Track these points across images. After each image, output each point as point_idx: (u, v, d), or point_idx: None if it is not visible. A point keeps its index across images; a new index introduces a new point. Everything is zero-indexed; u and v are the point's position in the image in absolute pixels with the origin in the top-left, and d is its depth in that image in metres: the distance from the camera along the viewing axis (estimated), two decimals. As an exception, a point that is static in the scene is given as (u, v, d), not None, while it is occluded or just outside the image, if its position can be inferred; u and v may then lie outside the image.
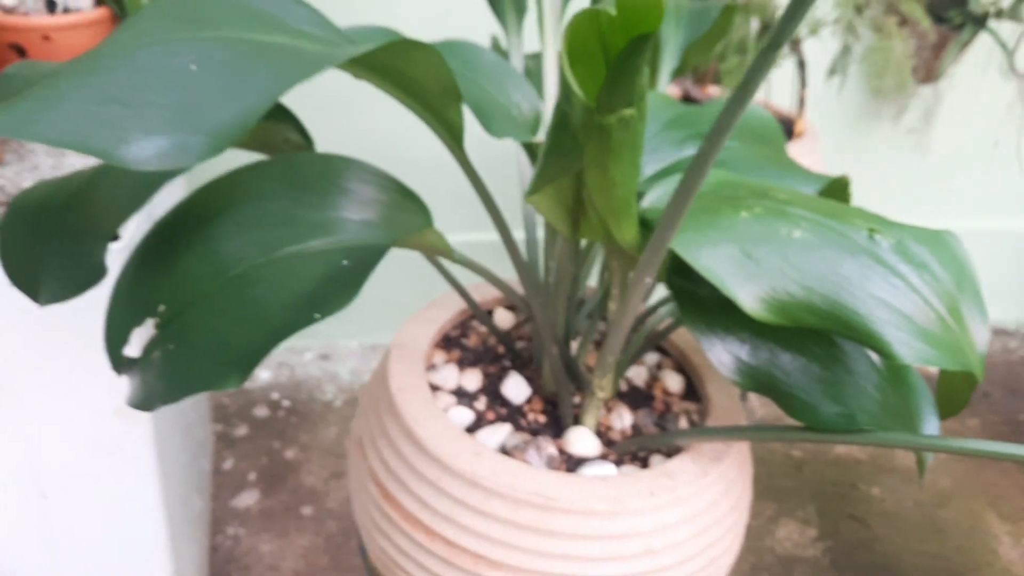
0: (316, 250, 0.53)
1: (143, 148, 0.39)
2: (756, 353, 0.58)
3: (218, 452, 1.38)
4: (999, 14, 1.41)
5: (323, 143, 1.03)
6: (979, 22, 1.43)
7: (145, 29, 0.44)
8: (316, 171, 0.55)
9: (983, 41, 1.44)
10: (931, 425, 0.60)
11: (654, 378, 0.74)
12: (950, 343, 0.52)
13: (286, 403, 1.50)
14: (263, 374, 1.55)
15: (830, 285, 0.52)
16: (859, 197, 1.62)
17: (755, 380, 0.58)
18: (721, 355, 0.58)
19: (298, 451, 1.39)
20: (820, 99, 1.40)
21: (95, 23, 0.82)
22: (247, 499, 1.30)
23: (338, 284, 0.51)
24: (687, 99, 1.27)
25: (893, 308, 0.52)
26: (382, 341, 1.64)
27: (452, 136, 0.52)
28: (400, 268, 1.50)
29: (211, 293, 0.51)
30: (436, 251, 0.57)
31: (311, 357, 1.61)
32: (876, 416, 0.57)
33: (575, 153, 0.47)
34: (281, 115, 0.59)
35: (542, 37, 0.65)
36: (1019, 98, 1.36)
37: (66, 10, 0.82)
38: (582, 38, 0.39)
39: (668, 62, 0.77)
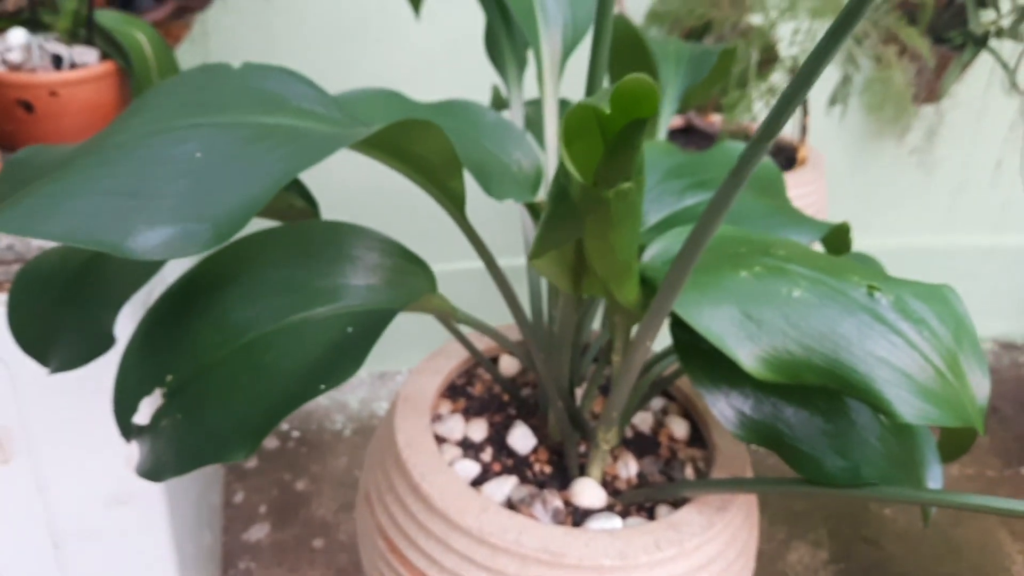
0: (322, 317, 0.54)
1: (149, 239, 0.40)
2: (759, 407, 0.59)
3: (228, 485, 1.39)
4: (999, 33, 1.42)
5: (329, 176, 1.04)
6: (979, 42, 1.43)
7: (151, 116, 0.45)
8: (322, 239, 0.56)
9: (984, 60, 1.44)
10: (935, 474, 0.61)
11: (660, 424, 0.75)
12: (950, 399, 0.53)
13: (296, 434, 1.51)
14: (273, 405, 1.56)
15: (830, 344, 0.53)
16: (866, 218, 1.63)
17: (759, 434, 0.58)
18: (724, 409, 0.58)
19: (308, 482, 1.40)
20: (823, 123, 1.41)
21: (101, 77, 0.83)
22: (258, 532, 1.30)
23: (344, 352, 0.51)
24: (690, 128, 1.27)
25: (892, 366, 0.52)
26: (391, 369, 1.64)
27: (455, 205, 0.53)
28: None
29: (218, 363, 0.52)
30: (440, 313, 0.58)
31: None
32: (880, 468, 0.58)
33: (574, 223, 0.48)
34: (288, 183, 0.60)
35: (541, 87, 0.66)
36: (1021, 116, 1.36)
37: (72, 65, 0.84)
38: (579, 118, 0.39)
39: (668, 108, 0.77)
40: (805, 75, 0.34)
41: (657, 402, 0.77)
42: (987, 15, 1.42)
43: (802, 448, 0.58)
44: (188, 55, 1.19)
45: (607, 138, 0.44)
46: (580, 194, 0.45)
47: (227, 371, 0.52)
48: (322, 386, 0.50)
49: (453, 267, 1.28)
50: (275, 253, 0.55)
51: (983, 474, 1.55)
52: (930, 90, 1.48)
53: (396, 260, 0.56)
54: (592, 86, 0.53)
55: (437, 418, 0.72)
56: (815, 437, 0.58)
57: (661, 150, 0.71)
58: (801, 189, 1.17)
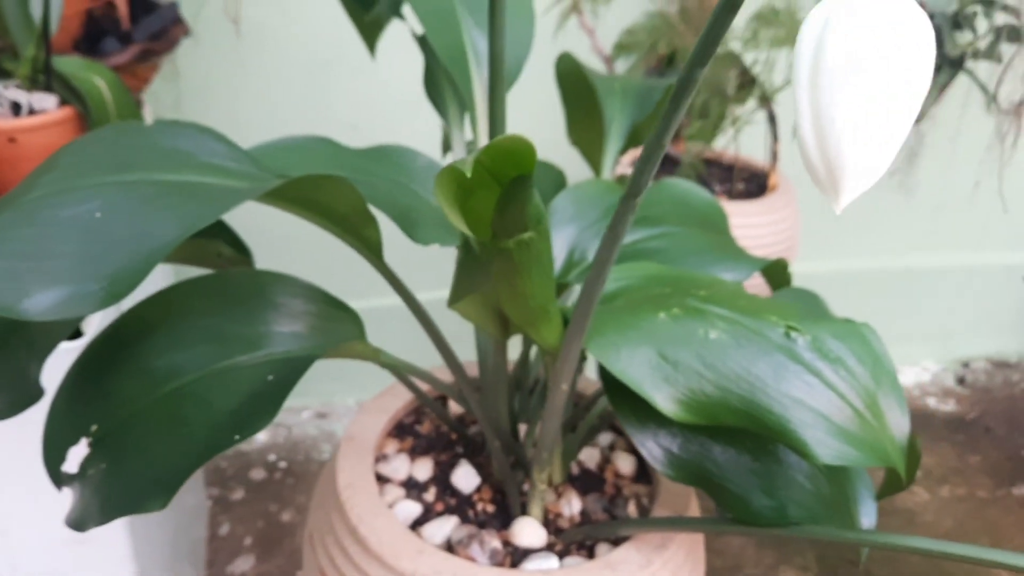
0: (244, 365, 0.54)
1: (43, 300, 0.41)
2: (687, 445, 0.59)
3: (214, 517, 1.39)
4: (976, 55, 1.42)
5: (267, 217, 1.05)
6: (956, 64, 1.43)
7: (59, 175, 0.46)
8: (246, 287, 0.56)
9: (963, 81, 1.44)
10: (868, 510, 0.60)
11: (606, 460, 0.75)
12: (869, 440, 0.53)
13: (283, 464, 1.51)
14: (260, 435, 1.57)
15: (745, 385, 0.53)
16: (848, 239, 1.62)
17: (687, 472, 0.58)
18: (652, 448, 0.58)
19: (294, 513, 1.41)
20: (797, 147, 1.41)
21: (59, 123, 0.85)
22: (243, 565, 1.31)
23: (262, 400, 0.52)
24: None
25: (809, 407, 0.52)
26: (376, 398, 1.64)
27: (371, 251, 0.54)
28: (396, 324, 1.51)
29: (140, 413, 0.53)
30: (366, 358, 0.58)
31: (308, 416, 1.63)
32: (809, 508, 0.57)
33: (482, 272, 0.49)
34: (214, 231, 0.61)
35: (475, 130, 0.66)
36: (997, 138, 1.36)
37: (31, 112, 0.85)
38: (449, 179, 0.40)
39: (614, 143, 0.78)
40: (663, 128, 0.34)
41: (605, 437, 0.77)
42: (963, 37, 1.42)
43: (729, 487, 0.58)
44: (160, 93, 1.21)
45: (503, 186, 0.45)
46: (479, 246, 0.46)
47: (148, 421, 0.53)
48: (236, 436, 0.50)
49: (396, 302, 1.28)
50: (200, 302, 0.56)
51: (974, 495, 1.53)
52: (909, 111, 1.48)
53: (320, 306, 0.57)
54: (494, 129, 0.54)
55: (382, 458, 0.72)
56: (743, 476, 0.58)
57: (602, 188, 0.72)
58: (773, 215, 1.17)
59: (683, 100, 0.32)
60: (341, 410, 1.64)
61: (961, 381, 1.76)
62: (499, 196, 0.43)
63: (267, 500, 1.44)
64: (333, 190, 0.48)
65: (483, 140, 0.67)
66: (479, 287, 0.51)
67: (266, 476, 1.49)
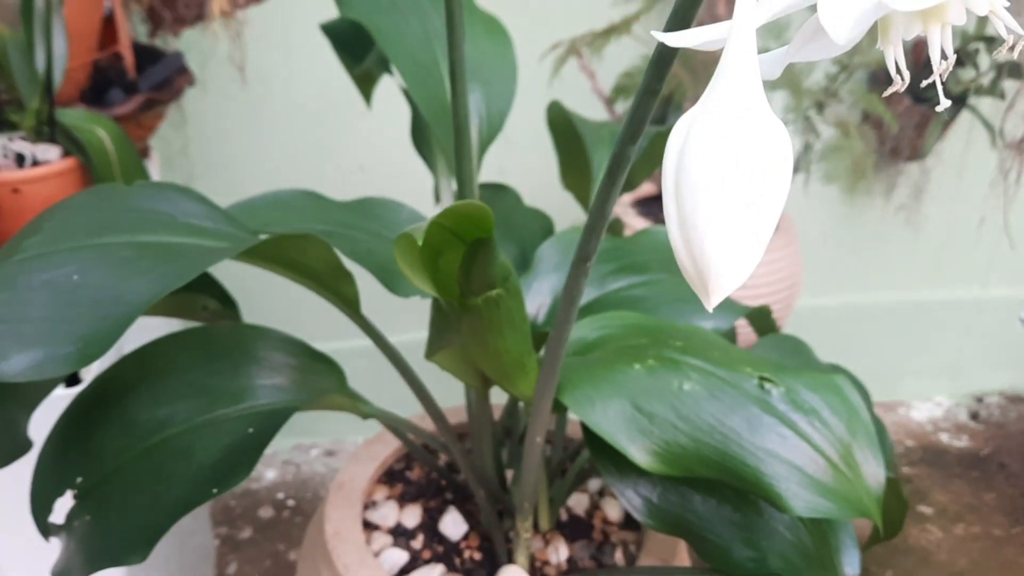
0: (225, 418, 0.55)
1: (19, 362, 0.42)
2: (667, 496, 0.59)
3: (222, 556, 1.40)
4: (979, 91, 1.42)
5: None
6: (959, 101, 1.43)
7: (40, 239, 0.48)
8: (228, 341, 0.58)
9: (966, 117, 1.44)
10: (851, 561, 0.60)
11: (595, 506, 0.75)
12: (844, 492, 0.53)
13: (291, 503, 1.52)
14: (269, 474, 1.58)
15: (719, 437, 0.53)
16: (855, 276, 1.62)
17: (667, 522, 0.58)
18: (632, 498, 0.59)
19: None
20: (806, 183, 1.41)
21: (62, 174, 0.87)
22: (248, 605, 1.31)
23: (240, 454, 0.53)
24: (660, 197, 1.28)
25: (783, 459, 0.52)
26: (384, 436, 1.65)
27: (348, 306, 0.55)
28: (381, 366, 1.52)
29: (124, 466, 0.54)
30: (347, 410, 0.59)
31: (317, 454, 1.64)
32: (790, 559, 0.57)
33: (453, 329, 0.49)
34: (198, 286, 0.62)
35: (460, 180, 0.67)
36: (1000, 174, 1.36)
37: (35, 163, 0.87)
38: (406, 245, 0.41)
39: (601, 190, 0.78)
40: (602, 200, 0.35)
41: (595, 483, 0.77)
42: (966, 73, 1.42)
43: (711, 538, 0.58)
44: (168, 139, 1.23)
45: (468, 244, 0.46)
46: (447, 305, 0.46)
47: (131, 475, 0.54)
48: (215, 490, 0.51)
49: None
50: (184, 356, 0.57)
51: (989, 533, 1.51)
52: (913, 148, 1.48)
53: (302, 359, 0.58)
54: (461, 187, 0.55)
55: (371, 504, 0.73)
56: (723, 527, 0.58)
57: (587, 235, 0.72)
58: (771, 255, 1.17)
59: (618, 176, 0.32)
60: (350, 448, 1.64)
61: (975, 416, 1.74)
62: (462, 257, 0.43)
63: (275, 539, 1.44)
64: (307, 249, 0.49)
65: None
66: (452, 343, 0.52)
67: (274, 514, 1.50)
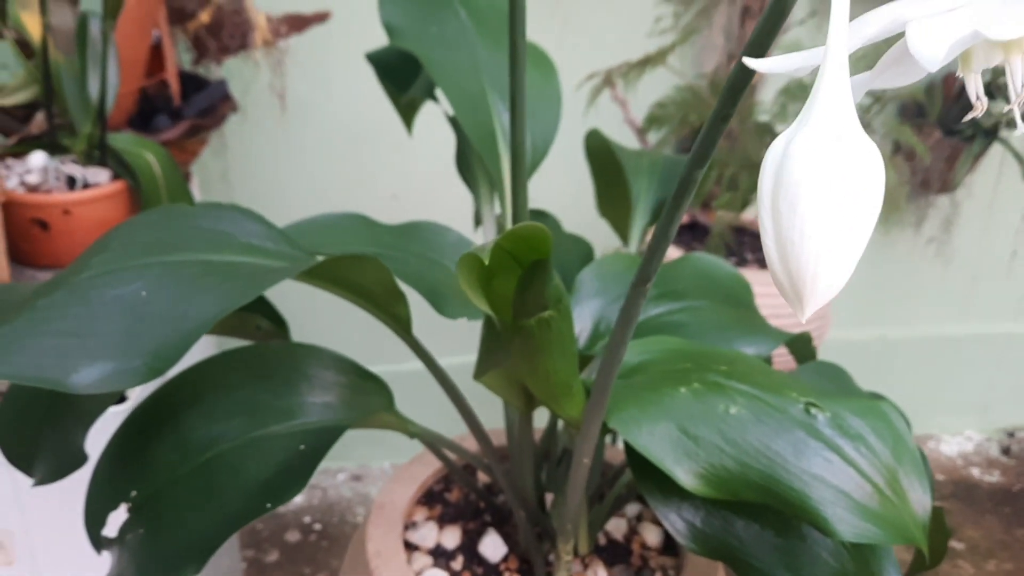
0: (277, 435, 0.56)
1: (89, 375, 0.43)
2: (710, 520, 0.59)
3: (248, 579, 1.41)
4: (1010, 124, 1.42)
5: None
6: (989, 134, 1.43)
7: (109, 256, 0.49)
8: (280, 360, 0.59)
9: (997, 150, 1.45)
10: (894, 588, 0.60)
11: (634, 531, 0.75)
12: (890, 517, 0.53)
13: (317, 527, 1.52)
14: (296, 498, 1.59)
15: (765, 461, 0.53)
16: (885, 309, 1.61)
17: (710, 547, 0.58)
18: (676, 521, 0.59)
19: (328, 576, 1.41)
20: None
21: (111, 196, 0.89)
22: (276, 628, 1.31)
23: (294, 469, 0.54)
24: (695, 224, 1.29)
25: (829, 484, 0.53)
26: (412, 462, 1.66)
27: (400, 326, 0.56)
28: (427, 389, 1.53)
29: (177, 481, 0.55)
30: (394, 428, 0.60)
31: (344, 478, 1.64)
32: (832, 584, 0.57)
33: (504, 349, 0.50)
34: (253, 306, 0.63)
35: (503, 207, 0.69)
36: (1033, 208, 1.36)
37: (86, 185, 0.90)
38: (469, 265, 0.42)
39: (641, 218, 0.80)
40: (666, 224, 0.36)
41: (632, 508, 0.78)
42: (997, 106, 1.42)
43: (753, 563, 0.58)
44: (209, 165, 1.26)
45: (524, 268, 0.47)
46: (501, 325, 0.47)
47: (184, 489, 0.55)
48: (268, 505, 0.52)
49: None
50: (236, 374, 0.58)
51: (1022, 569, 1.49)
52: (944, 181, 1.48)
53: (351, 378, 0.59)
54: (516, 212, 0.56)
55: (411, 525, 0.73)
56: (766, 552, 0.58)
57: (627, 262, 0.73)
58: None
59: (684, 198, 0.34)
60: (376, 473, 1.65)
61: (1006, 451, 1.73)
62: (519, 278, 0.45)
63: (301, 563, 1.44)
64: (365, 270, 0.51)
65: (510, 216, 0.69)
66: (502, 363, 0.53)
67: (301, 538, 1.50)
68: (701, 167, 0.32)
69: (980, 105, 0.24)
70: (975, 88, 0.24)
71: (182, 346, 0.44)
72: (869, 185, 0.22)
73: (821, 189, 0.21)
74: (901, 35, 0.22)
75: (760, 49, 0.27)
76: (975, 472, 1.68)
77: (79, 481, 0.75)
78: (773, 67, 0.24)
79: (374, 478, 1.64)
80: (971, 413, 1.73)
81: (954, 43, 0.20)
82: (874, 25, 0.23)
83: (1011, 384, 1.71)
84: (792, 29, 1.26)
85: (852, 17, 0.23)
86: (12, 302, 0.48)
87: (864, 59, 0.89)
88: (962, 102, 1.44)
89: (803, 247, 0.22)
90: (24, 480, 0.76)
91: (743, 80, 0.28)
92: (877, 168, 0.22)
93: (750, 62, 0.24)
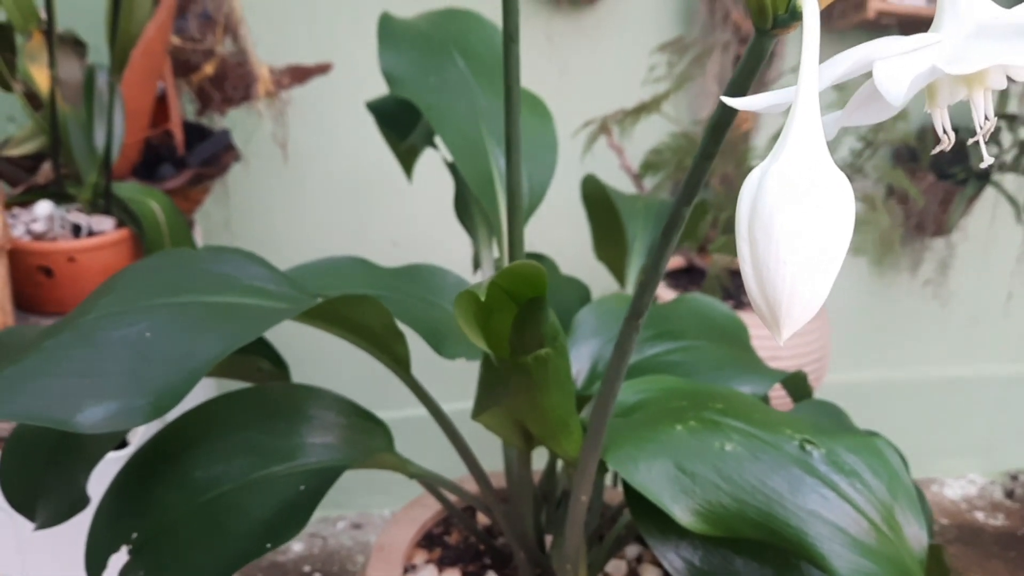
0: (278, 475, 0.57)
1: (94, 414, 0.44)
2: (708, 558, 0.59)
3: (249, 630, 1.39)
4: (1002, 168, 1.44)
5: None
6: (982, 177, 1.46)
7: (115, 297, 0.50)
8: (281, 401, 0.60)
9: (990, 193, 1.47)
10: (895, 626, 0.60)
11: (633, 572, 0.75)
12: (887, 553, 0.53)
13: (317, 575, 1.51)
14: (296, 546, 1.58)
15: (761, 498, 0.54)
16: (884, 351, 1.62)
17: (710, 586, 0.59)
18: (674, 560, 0.59)
19: (327, 625, 1.40)
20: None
21: (115, 243, 0.91)
22: None
23: (294, 509, 0.54)
24: (691, 268, 1.31)
25: (825, 520, 0.53)
26: (412, 509, 1.65)
27: (399, 366, 0.57)
28: (425, 433, 1.53)
29: (178, 522, 0.55)
30: (394, 469, 0.60)
31: (343, 526, 1.63)
32: (832, 622, 0.57)
33: (502, 386, 0.51)
34: (254, 348, 0.64)
35: (500, 250, 0.70)
36: (1027, 250, 1.37)
37: (90, 233, 0.91)
38: (467, 302, 0.43)
39: (636, 260, 0.81)
40: (657, 260, 0.37)
41: (632, 549, 0.78)
42: (989, 150, 1.45)
43: (752, 601, 0.58)
44: (212, 213, 1.27)
45: (520, 306, 0.48)
46: (499, 362, 0.48)
47: (185, 530, 0.55)
48: (268, 545, 0.52)
49: (425, 412, 1.31)
50: (238, 415, 0.59)
51: (1030, 612, 1.48)
52: (938, 224, 1.50)
53: (352, 419, 0.60)
54: (513, 253, 0.57)
55: (411, 568, 0.73)
56: (766, 590, 0.58)
57: (624, 302, 0.74)
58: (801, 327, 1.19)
59: (672, 235, 0.35)
60: (376, 521, 1.64)
61: (1010, 495, 1.72)
62: (516, 315, 0.46)
63: (302, 612, 1.43)
64: (365, 309, 0.52)
65: (507, 259, 0.70)
66: (500, 401, 0.54)
67: (301, 588, 1.49)
68: (688, 204, 0.33)
69: (947, 139, 0.26)
70: (942, 123, 0.25)
71: (186, 385, 0.45)
72: (839, 212, 0.23)
73: (793, 217, 0.23)
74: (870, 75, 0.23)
75: (740, 89, 0.28)
76: (979, 516, 1.67)
77: (79, 525, 0.75)
78: (749, 105, 0.26)
79: (374, 526, 1.63)
80: (974, 456, 1.73)
81: (915, 79, 0.22)
82: (843, 65, 0.24)
83: (1013, 426, 1.71)
84: (785, 75, 1.28)
85: (823, 58, 0.24)
86: (19, 344, 0.49)
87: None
88: (955, 145, 1.46)
89: (778, 272, 0.23)
90: (25, 524, 0.77)
91: (726, 119, 0.30)
92: (846, 196, 0.23)
93: (729, 100, 0.26)
